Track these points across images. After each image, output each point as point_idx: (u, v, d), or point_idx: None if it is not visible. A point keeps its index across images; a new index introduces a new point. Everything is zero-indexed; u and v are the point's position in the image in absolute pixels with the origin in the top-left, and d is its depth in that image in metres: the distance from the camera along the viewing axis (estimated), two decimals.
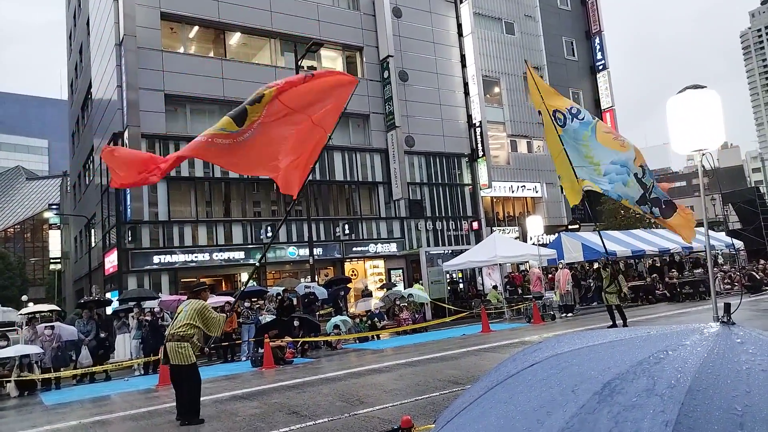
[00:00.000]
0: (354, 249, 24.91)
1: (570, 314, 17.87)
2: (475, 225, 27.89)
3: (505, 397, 1.24)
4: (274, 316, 13.99)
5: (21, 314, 18.30)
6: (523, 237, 28.30)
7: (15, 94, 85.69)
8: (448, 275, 22.47)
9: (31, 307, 20.38)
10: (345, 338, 14.91)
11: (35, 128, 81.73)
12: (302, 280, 19.83)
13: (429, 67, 28.08)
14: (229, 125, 5.84)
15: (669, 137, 5.61)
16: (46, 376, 11.94)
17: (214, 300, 16.08)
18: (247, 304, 14.91)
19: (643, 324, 13.52)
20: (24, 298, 33.18)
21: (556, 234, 24.42)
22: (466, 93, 28.98)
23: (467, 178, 28.68)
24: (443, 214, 27.63)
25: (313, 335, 14.13)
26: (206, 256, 21.37)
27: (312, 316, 15.14)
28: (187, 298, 7.82)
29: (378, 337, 16.24)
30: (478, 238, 26.36)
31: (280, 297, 16.46)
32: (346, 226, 24.44)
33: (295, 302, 16.59)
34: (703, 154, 5.50)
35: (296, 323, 13.84)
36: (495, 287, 20.93)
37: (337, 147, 25.18)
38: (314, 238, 20.94)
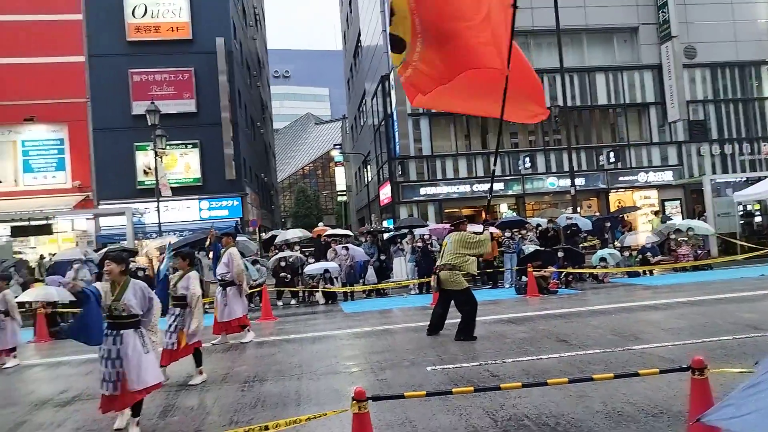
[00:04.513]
0: (620, 179, 23.08)
1: None
2: None
3: None
4: (537, 246, 14.02)
5: (325, 237, 22.00)
6: None
7: (301, 50, 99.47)
8: (741, 207, 19.19)
9: (328, 230, 24.31)
10: (613, 272, 14.19)
11: (318, 78, 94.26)
12: (563, 211, 19.29)
13: None
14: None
15: None
16: (344, 289, 14.32)
17: (475, 228, 16.84)
18: (507, 234, 15.23)
19: None
20: (320, 224, 39.58)
21: None
22: None
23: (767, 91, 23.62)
24: (734, 136, 23.48)
25: (577, 267, 13.82)
26: (467, 188, 22.33)
27: (575, 247, 14.75)
28: (449, 232, 8.58)
29: (650, 273, 15.05)
30: None
31: (541, 227, 16.38)
32: (611, 154, 22.67)
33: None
34: None
35: (560, 254, 13.68)
36: None
37: (598, 67, 23.11)
38: (575, 168, 19.99)
